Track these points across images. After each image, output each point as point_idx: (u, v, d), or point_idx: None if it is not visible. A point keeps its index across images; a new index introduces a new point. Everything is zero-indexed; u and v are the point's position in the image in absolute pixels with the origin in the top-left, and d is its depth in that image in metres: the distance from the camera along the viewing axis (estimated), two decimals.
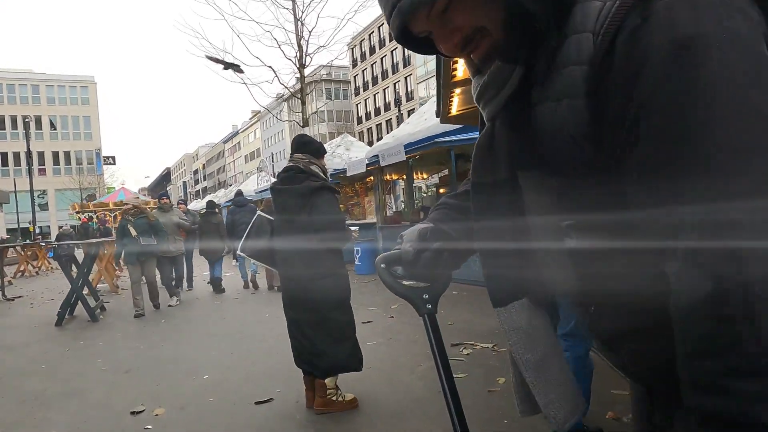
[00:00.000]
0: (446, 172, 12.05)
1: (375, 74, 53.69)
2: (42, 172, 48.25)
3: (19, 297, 10.53)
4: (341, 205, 14.56)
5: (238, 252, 3.41)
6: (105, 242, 10.45)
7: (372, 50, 53.63)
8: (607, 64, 0.63)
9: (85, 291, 7.69)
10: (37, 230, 34.89)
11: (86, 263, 7.87)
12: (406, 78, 48.47)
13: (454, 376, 0.96)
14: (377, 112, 53.55)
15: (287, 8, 11.00)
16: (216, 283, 9.53)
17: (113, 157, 52.65)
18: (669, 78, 0.58)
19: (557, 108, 0.68)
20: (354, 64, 56.25)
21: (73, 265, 8.02)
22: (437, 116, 5.93)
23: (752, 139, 0.55)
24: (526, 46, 0.71)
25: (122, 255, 7.89)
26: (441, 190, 12.81)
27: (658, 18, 0.59)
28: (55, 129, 50.65)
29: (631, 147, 0.62)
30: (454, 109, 5.79)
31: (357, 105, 57.22)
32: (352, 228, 3.71)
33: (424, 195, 14.45)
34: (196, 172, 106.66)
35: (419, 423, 3.02)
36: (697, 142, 0.56)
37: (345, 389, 3.37)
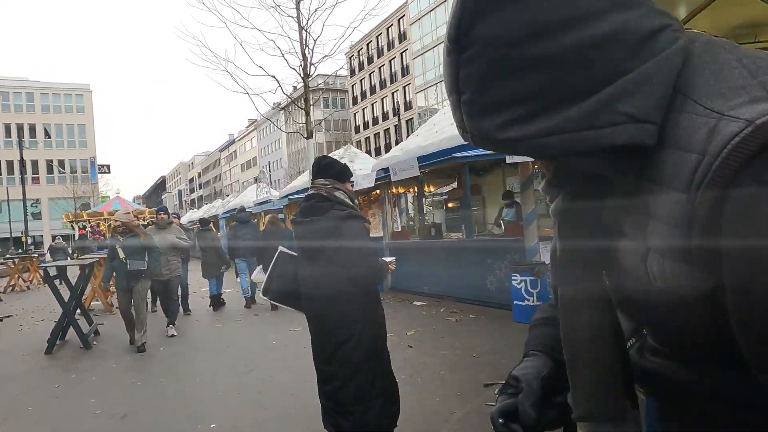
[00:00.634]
0: (455, 185, 11.66)
1: (373, 83, 53.49)
2: (35, 180, 47.63)
3: (8, 317, 9.99)
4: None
5: (260, 294, 2.96)
6: (101, 258, 9.97)
7: (370, 60, 53.48)
8: (712, 226, 0.54)
9: (78, 312, 7.24)
10: (30, 240, 34.31)
11: (79, 284, 7.40)
12: (404, 87, 48.25)
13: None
14: (375, 121, 53.28)
15: (292, 16, 10.65)
16: (216, 300, 9.50)
17: (108, 166, 51.93)
18: None
19: (645, 253, 0.61)
20: (352, 73, 56.05)
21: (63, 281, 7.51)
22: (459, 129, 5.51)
23: None
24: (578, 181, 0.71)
25: (111, 278, 7.04)
26: (450, 204, 12.41)
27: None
28: (49, 137, 50.07)
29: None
30: None
31: (355, 114, 56.96)
32: (388, 259, 3.25)
33: (430, 208, 14.05)
34: (191, 180, 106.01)
35: None
36: None
37: None
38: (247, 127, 77.32)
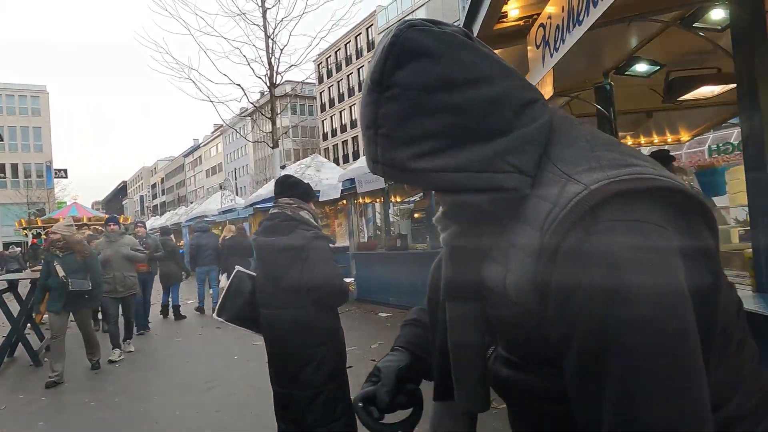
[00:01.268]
0: (421, 195, 11.74)
1: (341, 91, 53.49)
2: None
3: None
4: None
5: (214, 316, 2.89)
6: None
7: (339, 67, 53.51)
8: (548, 269, 0.69)
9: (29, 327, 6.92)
10: None
11: (30, 297, 7.07)
12: None
13: None
14: (344, 128, 53.24)
15: (258, 25, 10.56)
16: (175, 311, 9.54)
17: (65, 170, 50.03)
18: (591, 317, 0.65)
19: (506, 275, 0.76)
20: (320, 80, 55.92)
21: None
22: None
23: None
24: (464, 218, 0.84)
25: (44, 300, 6.03)
26: (416, 215, 12.49)
27: (599, 242, 0.65)
28: (1, 140, 47.94)
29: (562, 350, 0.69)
30: None
31: (323, 121, 56.78)
32: (348, 280, 3.26)
33: (396, 218, 14.09)
34: (154, 186, 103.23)
35: None
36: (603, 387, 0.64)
37: None
38: (212, 132, 75.95)
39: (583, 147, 0.75)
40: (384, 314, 8.47)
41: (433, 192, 0.91)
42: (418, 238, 10.84)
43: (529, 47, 2.65)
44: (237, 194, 28.87)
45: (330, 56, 52.80)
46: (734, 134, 8.65)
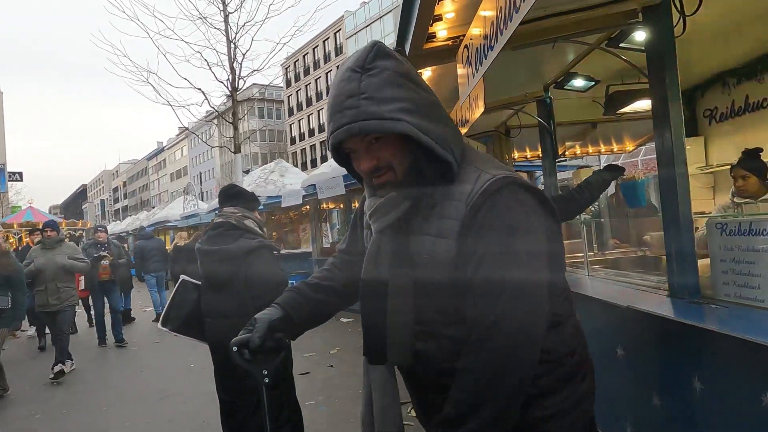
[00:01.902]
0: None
1: (309, 95, 53.27)
2: None
3: None
4: (274, 233, 13.95)
5: (159, 326, 2.89)
6: None
7: (306, 71, 53.28)
8: (470, 224, 1.11)
9: None
10: None
11: None
12: None
13: None
14: (311, 133, 52.99)
15: (219, 29, 10.46)
16: (125, 314, 9.41)
17: (20, 173, 48.06)
18: (496, 242, 1.09)
19: (435, 242, 1.13)
20: (288, 84, 55.55)
21: None
22: None
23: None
24: (415, 190, 1.17)
25: None
26: None
27: (503, 207, 1.10)
28: None
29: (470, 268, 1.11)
30: None
31: (291, 125, 56.39)
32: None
33: None
34: (116, 189, 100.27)
35: None
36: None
37: None
38: (177, 135, 74.35)
39: (484, 158, 1.23)
40: (345, 319, 8.49)
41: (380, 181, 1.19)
42: None
43: (458, 65, 2.77)
44: (202, 199, 28.34)
45: (298, 60, 52.54)
46: None
